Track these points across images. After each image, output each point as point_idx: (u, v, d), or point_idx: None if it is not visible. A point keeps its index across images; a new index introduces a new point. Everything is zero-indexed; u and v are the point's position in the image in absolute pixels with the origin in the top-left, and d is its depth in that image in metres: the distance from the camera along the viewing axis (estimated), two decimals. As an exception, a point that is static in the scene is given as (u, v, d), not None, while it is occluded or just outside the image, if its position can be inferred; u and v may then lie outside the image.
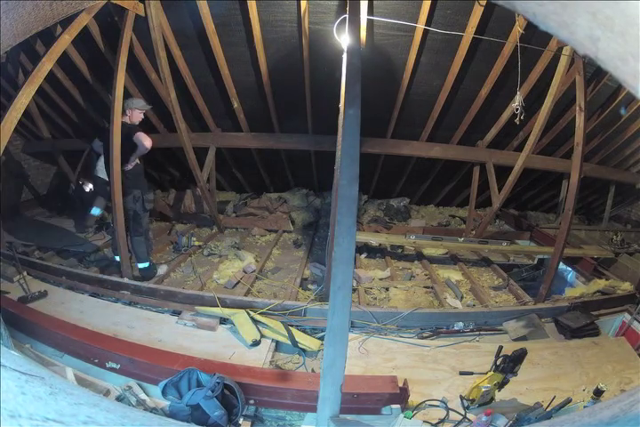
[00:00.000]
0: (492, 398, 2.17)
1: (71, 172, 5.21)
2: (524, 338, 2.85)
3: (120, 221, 3.27)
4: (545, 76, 3.39)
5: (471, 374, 2.37)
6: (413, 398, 2.19)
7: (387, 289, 3.62)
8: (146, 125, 4.71)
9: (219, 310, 2.87)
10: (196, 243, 4.40)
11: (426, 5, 2.90)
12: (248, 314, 2.82)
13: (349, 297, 1.23)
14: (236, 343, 2.68)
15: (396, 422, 1.96)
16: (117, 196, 3.15)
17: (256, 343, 2.63)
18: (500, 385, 2.11)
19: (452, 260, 4.43)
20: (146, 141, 3.17)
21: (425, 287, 3.65)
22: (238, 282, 3.55)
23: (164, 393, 2.02)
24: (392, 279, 3.79)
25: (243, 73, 3.79)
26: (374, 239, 4.39)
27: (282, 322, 2.82)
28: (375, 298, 3.48)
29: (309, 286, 3.60)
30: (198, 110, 4.30)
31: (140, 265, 3.52)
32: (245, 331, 2.68)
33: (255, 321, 2.79)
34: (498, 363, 2.07)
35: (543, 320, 3.08)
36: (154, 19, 3.04)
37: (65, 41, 2.58)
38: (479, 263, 4.38)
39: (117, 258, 3.48)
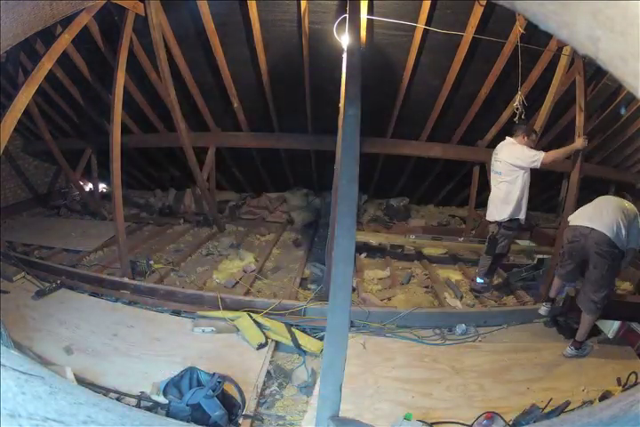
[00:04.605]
0: None
1: (71, 171, 5.21)
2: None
3: (120, 219, 3.27)
4: (545, 76, 3.39)
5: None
6: (415, 398, 2.19)
7: (387, 289, 3.62)
8: (146, 125, 4.74)
9: (220, 314, 2.86)
10: (156, 266, 3.74)
11: (426, 5, 2.90)
12: (250, 317, 2.82)
13: (349, 297, 1.23)
14: (237, 343, 2.69)
15: (396, 424, 1.96)
16: (117, 194, 3.16)
17: (262, 346, 2.63)
18: None
19: (452, 259, 4.43)
20: None
21: (425, 287, 3.65)
22: (237, 282, 3.55)
23: (164, 392, 2.02)
24: (392, 279, 3.79)
25: (243, 72, 3.79)
26: (374, 239, 4.39)
27: (285, 323, 2.82)
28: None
29: (309, 286, 3.59)
30: (198, 110, 4.30)
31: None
32: (251, 335, 2.68)
33: (258, 324, 2.79)
34: None
35: (542, 320, 3.08)
36: (154, 18, 3.03)
37: (65, 40, 2.58)
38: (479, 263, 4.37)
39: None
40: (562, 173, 4.86)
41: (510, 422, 2.01)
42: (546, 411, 2.04)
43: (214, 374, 2.09)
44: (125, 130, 4.44)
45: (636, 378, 2.23)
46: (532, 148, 3.03)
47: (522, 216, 3.14)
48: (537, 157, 2.90)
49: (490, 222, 3.29)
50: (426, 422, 2.00)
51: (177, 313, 3.04)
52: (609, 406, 0.67)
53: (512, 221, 3.14)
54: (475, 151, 4.47)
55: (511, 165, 3.01)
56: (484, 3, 2.84)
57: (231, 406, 2.05)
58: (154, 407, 2.07)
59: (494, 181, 3.20)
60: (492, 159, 3.21)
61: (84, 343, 2.58)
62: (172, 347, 2.60)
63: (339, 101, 2.69)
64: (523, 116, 3.07)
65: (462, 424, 2.05)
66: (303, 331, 2.82)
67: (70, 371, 2.18)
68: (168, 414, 1.97)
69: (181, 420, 1.85)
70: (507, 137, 3.16)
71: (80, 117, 4.91)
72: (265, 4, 3.08)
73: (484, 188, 4.84)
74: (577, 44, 0.49)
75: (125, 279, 3.24)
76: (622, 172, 5.17)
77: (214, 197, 5.19)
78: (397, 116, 4.10)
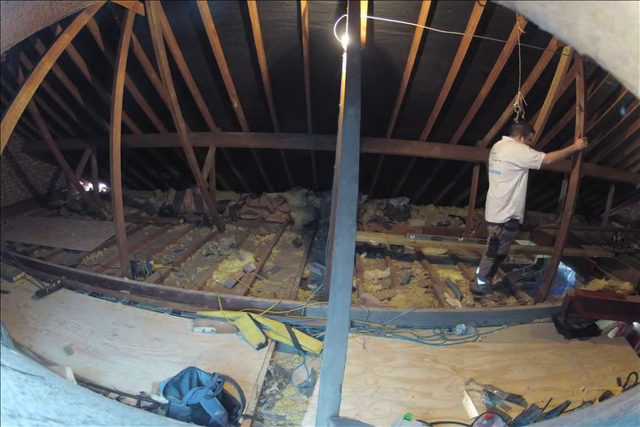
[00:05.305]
0: None
1: (71, 171, 5.21)
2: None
3: (120, 219, 3.26)
4: (545, 75, 3.39)
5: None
6: (415, 398, 2.19)
7: (387, 289, 3.62)
8: (146, 125, 4.74)
9: (220, 314, 2.86)
10: (156, 266, 3.67)
11: (426, 5, 2.90)
12: (250, 317, 2.82)
13: (349, 297, 1.23)
14: (237, 343, 2.69)
15: (396, 424, 1.96)
16: (117, 194, 3.15)
17: (262, 346, 2.63)
18: None
19: (452, 259, 4.43)
20: None
21: (425, 287, 3.65)
22: (237, 282, 3.55)
23: (164, 393, 2.02)
24: (392, 279, 3.79)
25: (243, 72, 3.79)
26: (374, 239, 4.39)
27: (284, 323, 2.82)
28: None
29: (309, 286, 3.59)
30: (198, 110, 4.30)
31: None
32: (251, 335, 2.69)
33: (258, 324, 2.79)
34: None
35: (543, 320, 3.08)
36: (154, 18, 3.03)
37: (65, 40, 2.58)
38: (479, 263, 4.37)
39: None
40: (562, 173, 4.87)
41: (510, 422, 2.01)
42: (546, 411, 2.05)
43: (214, 374, 2.09)
44: (125, 130, 4.44)
45: (636, 378, 2.23)
46: (531, 147, 3.03)
47: (520, 216, 3.14)
48: (537, 159, 2.89)
49: (489, 223, 3.28)
50: (426, 422, 2.00)
51: (177, 313, 3.04)
52: (609, 406, 0.67)
53: (512, 221, 3.15)
54: (475, 151, 4.47)
55: (511, 164, 2.98)
56: (483, 3, 2.84)
57: (231, 406, 2.05)
58: (154, 407, 2.07)
59: (493, 181, 3.19)
60: (490, 159, 3.18)
61: (84, 343, 2.59)
62: (172, 347, 2.60)
63: (339, 101, 2.69)
64: (523, 116, 3.06)
65: (462, 424, 2.05)
66: (303, 331, 2.82)
67: (70, 371, 2.18)
68: (168, 414, 1.97)
69: (181, 420, 1.86)
70: (503, 136, 3.14)
71: (80, 117, 4.91)
72: (265, 4, 3.08)
73: (484, 188, 4.83)
74: (577, 44, 0.49)
75: (125, 279, 3.24)
76: (622, 172, 5.17)
77: (214, 197, 5.19)
78: (397, 116, 4.09)
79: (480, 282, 3.43)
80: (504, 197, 3.08)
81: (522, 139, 3.03)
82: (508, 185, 3.05)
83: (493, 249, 3.29)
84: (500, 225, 3.18)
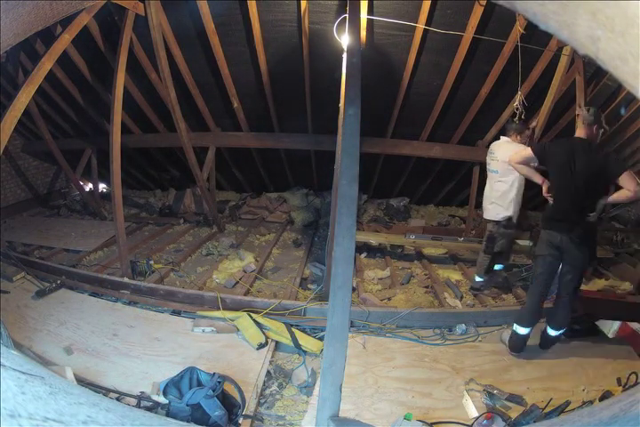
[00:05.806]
0: None
1: (71, 171, 5.21)
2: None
3: (120, 219, 3.26)
4: (545, 75, 3.39)
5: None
6: (415, 398, 2.19)
7: (387, 289, 3.62)
8: (146, 125, 4.74)
9: (220, 314, 2.86)
10: (156, 266, 3.66)
11: (426, 5, 2.90)
12: (250, 317, 2.82)
13: (349, 296, 1.23)
14: (237, 343, 2.69)
15: (396, 424, 1.96)
16: (117, 194, 3.16)
17: (262, 346, 2.63)
18: None
19: (452, 259, 4.43)
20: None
21: (425, 287, 3.65)
22: (237, 282, 3.55)
23: (164, 393, 2.02)
24: (392, 279, 3.79)
25: (243, 72, 3.79)
26: (374, 239, 4.39)
27: (284, 323, 2.82)
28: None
29: (309, 286, 3.59)
30: (198, 110, 4.30)
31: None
32: (251, 335, 2.69)
33: (258, 324, 2.79)
34: None
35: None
36: (154, 18, 3.03)
37: (65, 40, 2.58)
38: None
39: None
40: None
41: (510, 422, 2.01)
42: (546, 411, 2.05)
43: (214, 374, 2.09)
44: (125, 130, 4.44)
45: (636, 378, 2.23)
46: (525, 143, 3.06)
47: (514, 215, 3.19)
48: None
49: (488, 221, 3.33)
50: (426, 423, 2.00)
51: (177, 313, 3.04)
52: (609, 406, 0.67)
53: (509, 219, 3.20)
54: (475, 151, 4.47)
55: (507, 163, 3.01)
56: (483, 3, 2.84)
57: (231, 406, 2.05)
58: (154, 407, 2.07)
59: (491, 179, 3.25)
60: (488, 158, 3.24)
61: (84, 343, 2.59)
62: (172, 347, 2.60)
63: (339, 101, 2.69)
64: (522, 116, 3.07)
65: (462, 424, 2.05)
66: (303, 331, 2.82)
67: (70, 371, 2.18)
68: (168, 414, 1.97)
69: (181, 420, 1.86)
70: (501, 136, 3.19)
71: (80, 117, 4.91)
72: (265, 4, 3.08)
73: (484, 188, 4.84)
74: (577, 44, 0.49)
75: (125, 279, 3.24)
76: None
77: (214, 197, 5.19)
78: (397, 116, 4.09)
79: (477, 278, 3.49)
80: (502, 195, 3.13)
81: (518, 137, 3.07)
82: (505, 184, 3.10)
83: (490, 246, 3.33)
84: (497, 223, 3.23)
